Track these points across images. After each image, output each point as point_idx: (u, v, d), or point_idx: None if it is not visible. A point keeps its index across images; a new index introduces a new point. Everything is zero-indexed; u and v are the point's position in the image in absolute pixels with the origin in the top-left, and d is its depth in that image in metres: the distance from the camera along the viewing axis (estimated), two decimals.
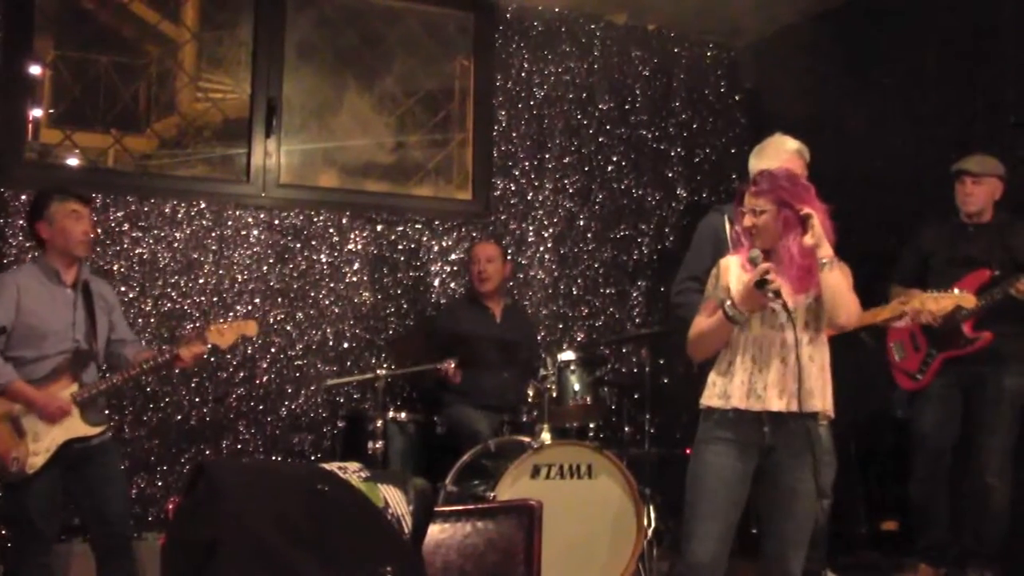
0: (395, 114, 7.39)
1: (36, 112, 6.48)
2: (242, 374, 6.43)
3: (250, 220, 6.55)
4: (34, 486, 4.62)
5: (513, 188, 7.34)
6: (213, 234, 6.45)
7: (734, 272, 3.89)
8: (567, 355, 5.81)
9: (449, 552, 3.11)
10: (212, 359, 6.31)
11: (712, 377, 3.93)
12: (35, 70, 6.36)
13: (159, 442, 6.20)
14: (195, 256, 6.40)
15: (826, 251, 3.74)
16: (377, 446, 5.54)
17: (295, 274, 6.64)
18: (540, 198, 7.40)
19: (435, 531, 3.06)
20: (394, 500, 2.74)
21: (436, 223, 7.06)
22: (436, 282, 7.02)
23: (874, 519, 6.44)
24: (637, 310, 7.62)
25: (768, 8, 7.34)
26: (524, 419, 5.78)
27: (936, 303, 4.93)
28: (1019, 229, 5.48)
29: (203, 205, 6.45)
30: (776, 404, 3.77)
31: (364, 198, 7.10)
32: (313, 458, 6.53)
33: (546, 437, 5.36)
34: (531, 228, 7.35)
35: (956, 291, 5.03)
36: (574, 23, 7.60)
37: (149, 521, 6.02)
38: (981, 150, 5.64)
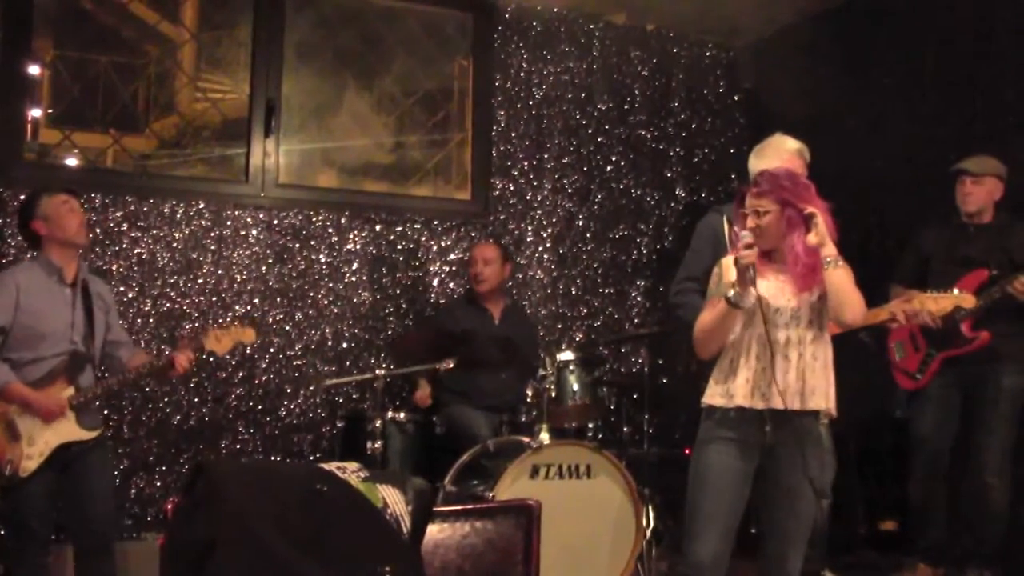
0: (394, 114, 7.39)
1: (35, 112, 6.47)
2: (241, 374, 6.43)
3: (249, 220, 6.55)
4: (29, 489, 4.59)
5: (512, 188, 7.34)
6: (212, 234, 6.45)
7: (733, 273, 3.89)
8: (566, 355, 5.81)
9: (448, 552, 3.11)
10: (211, 359, 6.31)
11: (714, 375, 3.93)
12: (34, 70, 6.36)
13: (158, 442, 6.20)
14: (194, 256, 6.40)
15: (830, 250, 3.75)
16: (376, 446, 5.53)
17: (294, 274, 6.64)
18: (539, 198, 7.40)
19: (434, 531, 3.06)
20: (393, 500, 2.74)
21: (435, 223, 7.06)
22: (435, 282, 7.02)
23: (873, 519, 6.44)
24: (636, 310, 7.62)
25: (767, 8, 7.34)
26: (523, 419, 5.78)
27: (936, 303, 4.93)
28: (1019, 229, 5.47)
29: (202, 205, 6.45)
30: (780, 402, 3.77)
31: (363, 198, 7.10)
32: (312, 458, 6.53)
33: (545, 437, 5.37)
34: (530, 228, 7.35)
35: (955, 291, 5.03)
36: (573, 23, 7.60)
37: (148, 521, 6.02)
38: (981, 150, 5.63)
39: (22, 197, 5.89)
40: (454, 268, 7.05)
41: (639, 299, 7.64)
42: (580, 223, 7.51)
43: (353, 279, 6.79)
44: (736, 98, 8.07)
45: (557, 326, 7.37)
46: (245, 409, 6.44)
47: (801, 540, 3.92)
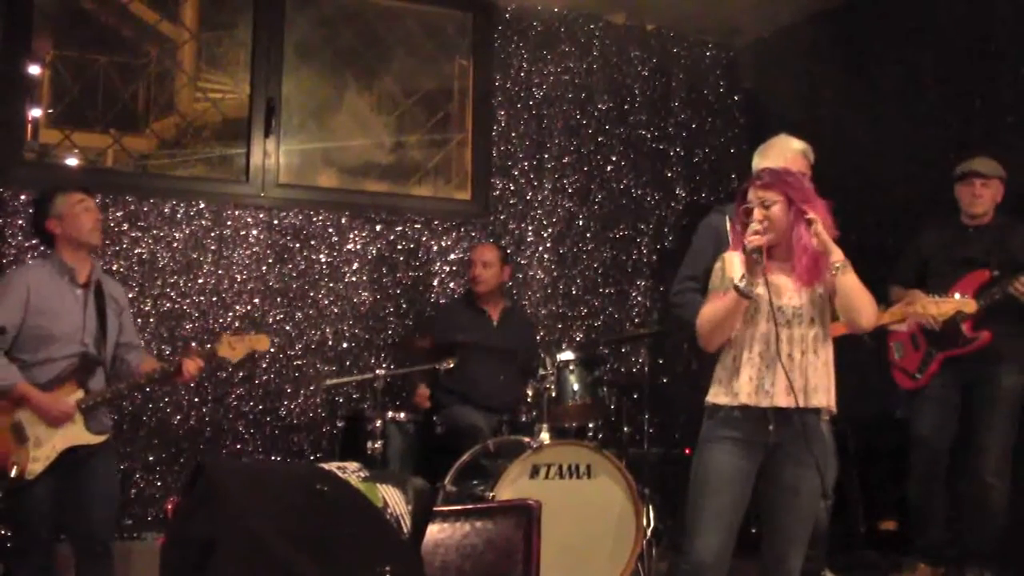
0: (394, 114, 7.39)
1: (35, 112, 6.48)
2: (241, 374, 6.43)
3: (249, 220, 6.55)
4: (34, 491, 4.56)
5: (512, 188, 7.34)
6: (212, 234, 6.45)
7: (737, 266, 3.89)
8: (566, 355, 5.81)
9: (448, 552, 3.11)
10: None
11: (718, 374, 3.93)
12: (34, 70, 6.36)
13: (158, 442, 6.20)
14: (194, 256, 6.40)
15: (838, 255, 3.76)
16: (376, 446, 5.53)
17: (294, 274, 6.64)
18: (539, 198, 7.41)
19: (434, 531, 3.06)
20: (393, 500, 2.74)
21: (435, 223, 7.06)
22: (435, 282, 7.02)
23: (873, 519, 6.44)
24: (636, 310, 7.62)
25: (767, 8, 7.34)
26: (523, 419, 5.78)
27: (937, 307, 4.93)
28: (1019, 230, 5.48)
29: (202, 205, 6.45)
30: (783, 400, 3.77)
31: (363, 198, 7.10)
32: (312, 458, 6.53)
33: (545, 437, 5.37)
34: (530, 228, 7.36)
35: (956, 296, 5.03)
36: (573, 23, 7.60)
37: (148, 521, 6.02)
38: (980, 150, 5.64)
39: (24, 195, 5.95)
40: (454, 268, 7.06)
41: (639, 299, 7.64)
42: (580, 223, 7.52)
43: (353, 279, 6.79)
44: (736, 98, 8.07)
45: (557, 326, 7.37)
46: (245, 409, 6.44)
47: (801, 539, 3.92)
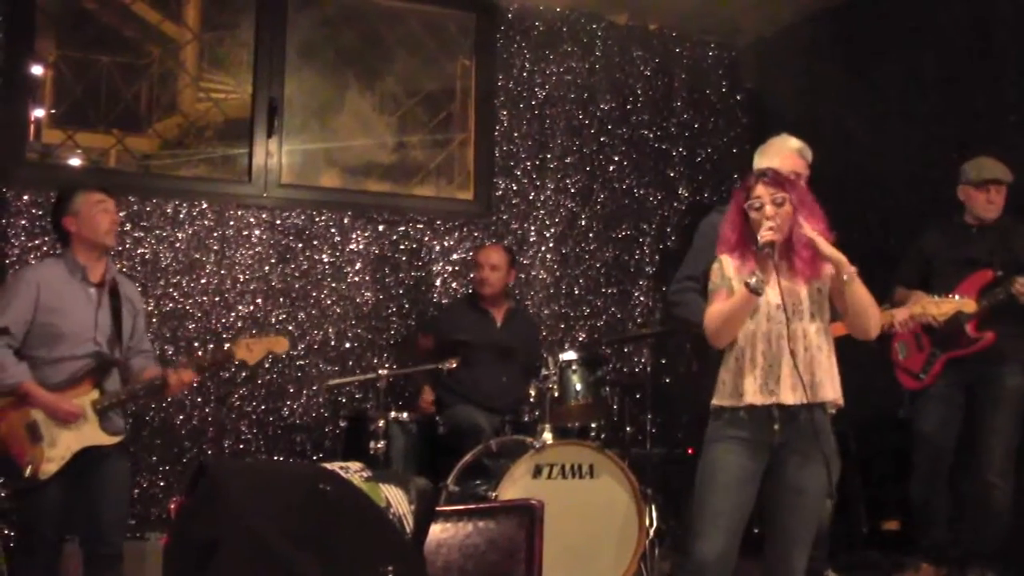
0: (396, 114, 7.39)
1: (38, 112, 6.48)
2: (244, 374, 6.43)
3: (252, 220, 6.56)
4: (46, 492, 4.54)
5: (515, 188, 7.34)
6: (215, 234, 6.45)
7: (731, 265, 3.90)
8: (569, 355, 5.80)
9: (451, 552, 3.11)
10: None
11: (722, 377, 3.93)
12: (37, 70, 6.37)
13: (161, 442, 6.21)
14: (197, 256, 6.40)
15: (848, 267, 3.77)
16: (379, 446, 5.53)
17: (297, 274, 6.64)
18: (542, 198, 7.41)
19: (437, 531, 3.06)
20: (396, 500, 2.74)
21: (438, 223, 7.06)
22: (438, 282, 7.02)
23: (876, 518, 6.44)
24: (639, 310, 7.62)
25: (768, 8, 7.35)
26: (526, 419, 5.78)
27: (937, 307, 4.92)
28: (1022, 231, 5.48)
29: (205, 205, 6.46)
30: (790, 397, 3.78)
31: (366, 198, 7.10)
32: (315, 458, 6.53)
33: (548, 437, 5.36)
34: (533, 228, 7.36)
35: (956, 297, 5.02)
36: (575, 23, 7.60)
37: (152, 521, 6.01)
38: (982, 150, 5.64)
39: (27, 195, 5.96)
40: (457, 268, 7.06)
41: (642, 299, 7.64)
42: (583, 223, 7.52)
43: (356, 279, 6.79)
44: (738, 98, 8.08)
45: (560, 326, 7.37)
46: (248, 409, 6.45)
47: (805, 539, 3.92)
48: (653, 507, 5.56)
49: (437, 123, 7.44)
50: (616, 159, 7.66)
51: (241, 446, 6.42)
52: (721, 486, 3.86)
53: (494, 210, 7.26)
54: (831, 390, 3.85)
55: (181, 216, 6.39)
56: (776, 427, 3.80)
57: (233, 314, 6.44)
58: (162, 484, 6.19)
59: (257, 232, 6.57)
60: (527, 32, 7.45)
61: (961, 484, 5.56)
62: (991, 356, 5.37)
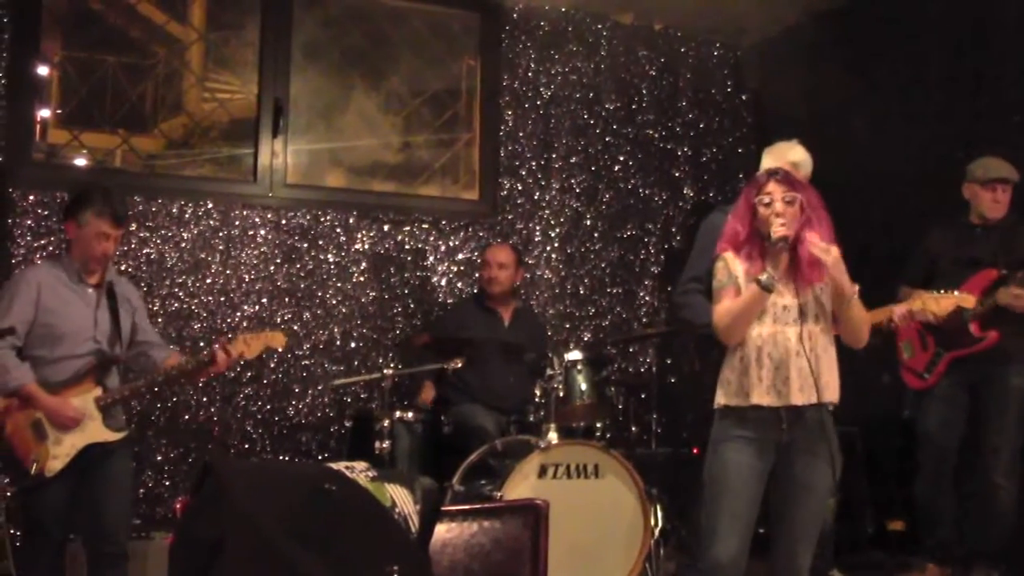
0: (401, 114, 7.39)
1: (44, 112, 6.49)
2: (249, 374, 6.44)
3: (257, 220, 6.56)
4: (51, 490, 4.58)
5: (520, 188, 7.34)
6: (220, 234, 6.46)
7: (740, 264, 3.91)
8: (574, 355, 5.80)
9: (456, 551, 3.12)
10: None
11: (726, 376, 3.94)
12: (43, 71, 6.37)
13: (167, 441, 6.21)
14: (202, 256, 6.41)
15: (851, 288, 3.82)
16: (384, 446, 5.53)
17: (302, 274, 6.65)
18: (547, 198, 7.41)
19: (442, 530, 3.06)
20: (401, 499, 2.75)
21: (443, 223, 7.06)
22: (443, 282, 7.03)
23: (881, 519, 6.43)
24: (644, 310, 7.62)
25: (773, 8, 7.34)
26: (531, 419, 5.78)
27: (937, 303, 4.92)
28: None
29: (210, 205, 6.46)
30: (798, 398, 3.79)
31: (371, 198, 7.10)
32: (320, 458, 6.54)
33: (553, 437, 5.36)
34: (538, 228, 7.36)
35: (956, 292, 5.02)
36: (580, 23, 7.60)
37: (157, 520, 6.02)
38: (986, 150, 5.63)
39: (32, 195, 5.97)
40: (462, 268, 7.06)
41: (647, 299, 7.64)
42: (588, 223, 7.52)
43: (361, 279, 6.79)
44: (744, 97, 8.07)
45: (565, 326, 7.37)
46: (254, 408, 6.45)
47: (811, 536, 3.94)
48: (658, 507, 5.56)
49: (442, 123, 7.44)
50: (621, 159, 7.66)
51: (247, 446, 6.43)
52: (733, 487, 3.88)
53: (499, 210, 7.26)
54: (835, 390, 3.88)
55: (186, 216, 6.40)
56: (784, 426, 3.82)
57: (238, 314, 6.45)
58: (167, 483, 6.19)
59: (262, 232, 6.57)
60: (532, 32, 7.45)
61: (966, 484, 5.55)
62: (995, 355, 5.37)
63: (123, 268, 6.17)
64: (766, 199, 3.84)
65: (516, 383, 6.08)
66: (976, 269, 5.42)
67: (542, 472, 5.27)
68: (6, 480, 4.63)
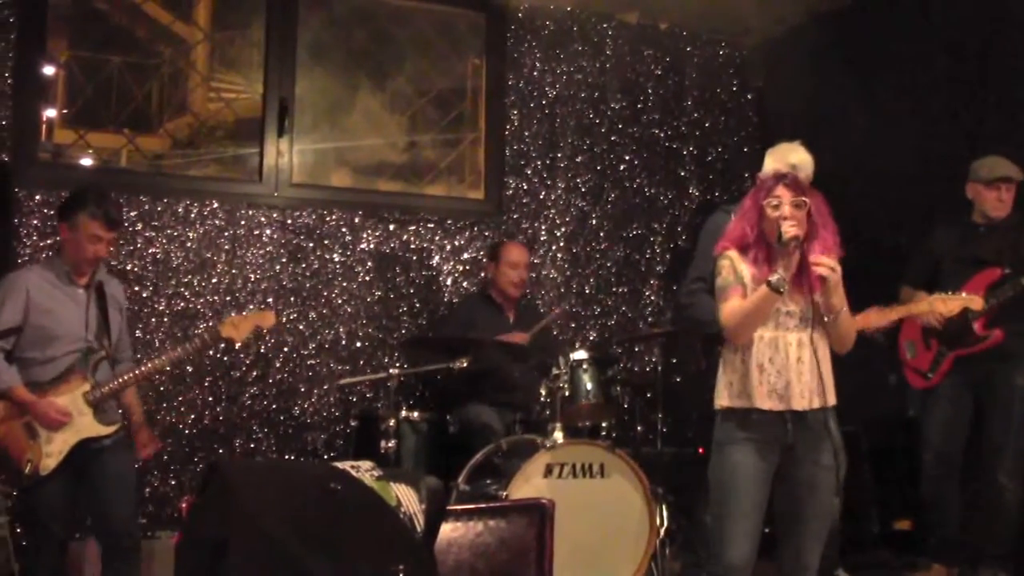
0: (407, 114, 7.40)
1: (50, 112, 6.50)
2: (255, 373, 6.45)
3: (263, 220, 6.57)
4: (47, 488, 4.61)
5: (525, 187, 7.34)
6: (226, 234, 6.46)
7: (746, 266, 3.91)
8: (579, 354, 5.79)
9: (461, 551, 3.12)
10: (225, 358, 6.33)
11: (727, 378, 3.94)
12: (49, 71, 6.38)
13: (172, 441, 6.21)
14: (208, 255, 6.41)
15: (840, 305, 3.86)
16: (390, 445, 5.53)
17: (307, 273, 6.65)
18: (552, 197, 7.41)
19: (447, 530, 3.06)
20: (407, 499, 2.75)
21: (448, 222, 7.07)
22: (448, 281, 7.03)
23: (887, 518, 6.43)
24: (650, 309, 7.62)
25: (778, 7, 7.33)
26: (536, 418, 5.78)
27: (944, 305, 4.92)
28: None
29: (216, 205, 6.47)
30: (800, 403, 3.81)
31: (376, 197, 7.11)
32: (326, 457, 6.54)
33: (558, 436, 5.36)
34: (543, 227, 7.36)
35: (964, 294, 5.01)
36: (586, 22, 7.60)
37: (163, 520, 6.03)
38: (992, 149, 5.62)
39: (38, 195, 5.97)
40: (467, 267, 7.06)
41: (652, 298, 7.63)
42: (593, 222, 7.51)
43: (367, 278, 6.80)
44: (749, 97, 8.07)
45: (571, 325, 7.36)
46: (259, 408, 6.46)
47: (819, 535, 3.97)
48: (664, 507, 5.56)
49: (448, 122, 7.45)
50: (627, 158, 7.65)
51: (252, 445, 6.44)
52: (741, 490, 3.89)
53: (505, 209, 7.26)
54: (833, 395, 3.90)
55: (192, 216, 6.40)
56: (788, 427, 3.83)
57: (244, 313, 6.44)
58: (173, 483, 6.20)
59: (268, 232, 6.58)
60: (537, 31, 7.45)
61: (971, 484, 5.54)
62: (999, 354, 5.37)
63: (129, 268, 6.19)
64: (774, 202, 3.84)
65: (522, 380, 6.08)
66: (979, 268, 5.41)
67: (548, 472, 5.27)
68: (2, 480, 4.65)
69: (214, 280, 6.42)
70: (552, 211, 7.39)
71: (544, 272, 7.30)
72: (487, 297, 6.50)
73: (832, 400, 3.88)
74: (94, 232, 4.77)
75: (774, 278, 3.75)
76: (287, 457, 6.47)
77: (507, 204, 7.27)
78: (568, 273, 7.40)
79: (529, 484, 5.18)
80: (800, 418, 3.84)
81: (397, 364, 6.60)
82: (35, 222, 6.00)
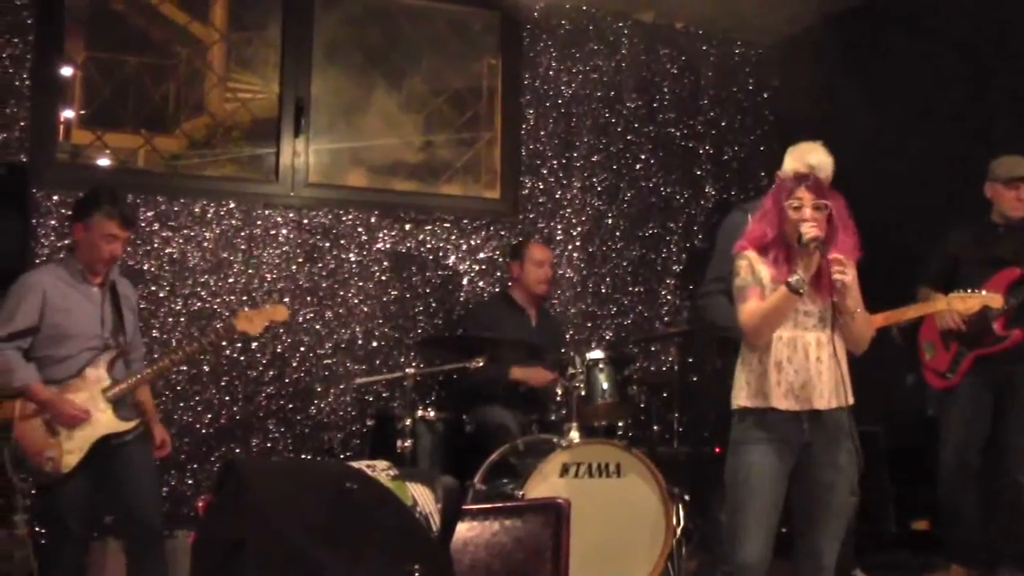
0: (423, 113, 7.40)
1: (67, 113, 6.53)
2: (272, 373, 6.46)
3: (279, 219, 6.58)
4: (68, 486, 4.64)
5: (541, 187, 7.33)
6: (242, 234, 6.48)
7: (765, 267, 3.90)
8: (596, 354, 5.80)
9: (477, 550, 3.11)
10: (241, 357, 6.35)
11: (744, 378, 3.94)
12: (66, 71, 6.41)
13: (189, 440, 6.24)
14: (224, 255, 6.43)
15: (855, 306, 3.86)
16: (406, 444, 5.54)
17: (324, 273, 6.66)
18: (568, 197, 7.40)
19: (463, 529, 3.06)
20: (423, 498, 2.74)
21: (464, 222, 7.07)
22: (464, 281, 7.03)
23: (905, 519, 6.41)
24: (666, 308, 7.61)
25: (793, 6, 7.32)
26: (553, 418, 5.78)
27: (963, 303, 4.90)
28: None
29: (232, 205, 6.48)
30: (819, 403, 3.82)
31: (392, 197, 7.12)
32: (342, 456, 6.55)
33: (575, 436, 5.36)
34: (559, 227, 7.35)
35: (983, 292, 4.99)
36: (601, 21, 7.59)
37: (180, 519, 6.04)
38: (1005, 148, 5.60)
39: (56, 196, 6.00)
40: (483, 267, 7.06)
41: (669, 297, 7.62)
42: (609, 221, 7.51)
43: (383, 278, 6.80)
44: (765, 96, 8.05)
45: (587, 325, 7.36)
46: (275, 408, 6.47)
47: (835, 534, 3.98)
48: (680, 506, 5.54)
49: (463, 122, 7.44)
50: (643, 157, 7.65)
51: (269, 445, 6.45)
52: (757, 489, 3.89)
53: (521, 209, 7.25)
54: (850, 395, 3.90)
55: (209, 216, 6.42)
56: (804, 427, 3.83)
57: (248, 310, 6.45)
58: (190, 482, 6.22)
59: (284, 231, 6.59)
60: (553, 31, 7.44)
61: (991, 484, 5.52)
62: (1019, 354, 5.34)
63: (145, 267, 6.21)
64: (795, 203, 3.83)
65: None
66: (998, 268, 5.38)
67: (564, 471, 5.26)
68: (23, 478, 4.67)
69: (230, 280, 6.43)
70: (568, 210, 7.39)
71: (560, 272, 7.29)
72: (508, 298, 6.49)
73: (850, 400, 3.87)
74: (110, 232, 4.80)
75: (793, 279, 3.74)
76: (303, 456, 6.48)
77: (523, 203, 7.27)
78: (584, 272, 7.40)
79: (545, 484, 5.18)
80: (817, 417, 3.84)
81: (413, 364, 6.61)
82: (53, 222, 6.02)
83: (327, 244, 6.68)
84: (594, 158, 7.50)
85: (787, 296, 3.77)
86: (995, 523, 5.52)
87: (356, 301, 6.72)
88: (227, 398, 6.36)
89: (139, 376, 4.86)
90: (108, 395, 4.74)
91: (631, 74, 7.65)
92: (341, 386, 6.61)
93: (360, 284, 6.74)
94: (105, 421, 4.72)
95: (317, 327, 6.60)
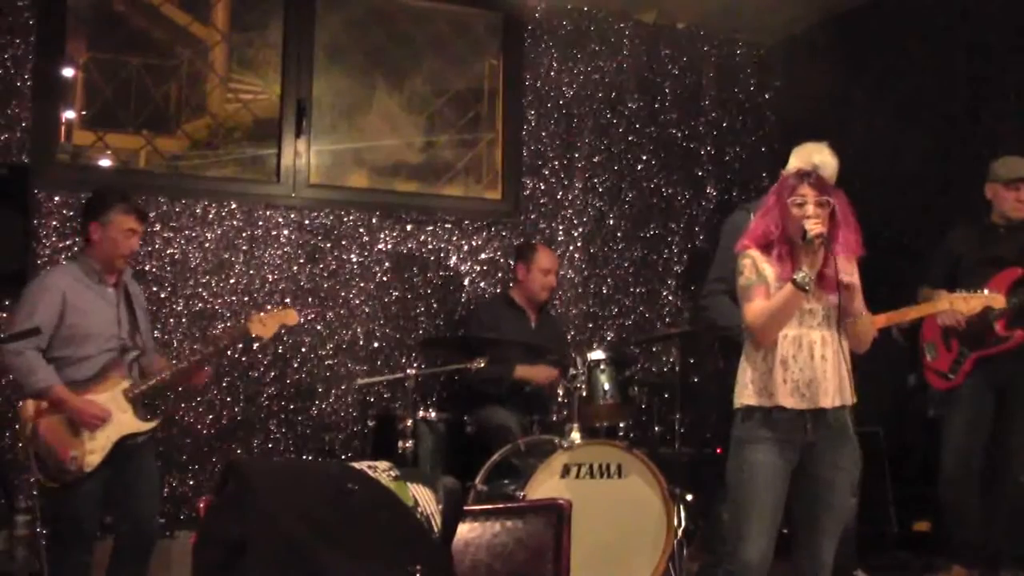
0: (424, 114, 7.40)
1: (69, 114, 6.52)
2: (273, 373, 6.46)
3: (280, 220, 6.58)
4: (87, 485, 4.66)
5: (543, 187, 7.33)
6: (244, 234, 6.48)
7: (769, 265, 3.90)
8: (597, 354, 5.80)
9: (478, 551, 3.12)
10: (243, 358, 6.35)
11: (748, 376, 3.94)
12: (68, 72, 6.40)
13: (190, 441, 6.24)
14: (226, 256, 6.43)
15: (858, 311, 3.88)
16: (407, 445, 5.53)
17: (325, 274, 6.66)
18: (570, 197, 7.40)
19: (464, 530, 3.06)
20: (424, 499, 2.75)
21: (465, 223, 7.07)
22: (466, 281, 7.03)
23: (906, 519, 6.41)
24: (667, 309, 7.61)
25: (795, 7, 7.31)
26: (554, 418, 5.78)
27: (965, 303, 4.89)
28: None
29: (234, 205, 6.48)
30: (824, 401, 3.82)
31: (394, 198, 7.11)
32: (343, 457, 6.55)
33: (576, 436, 5.35)
34: (561, 227, 7.35)
35: (985, 292, 4.98)
36: (603, 22, 7.59)
37: (181, 519, 6.05)
38: (1010, 149, 5.59)
39: (57, 196, 6.00)
40: (485, 268, 7.06)
41: (670, 298, 7.62)
42: (611, 222, 7.50)
43: (384, 279, 6.80)
44: (767, 96, 8.04)
45: (588, 325, 7.36)
46: (277, 408, 6.47)
47: (834, 531, 3.98)
48: (682, 507, 5.54)
49: (465, 123, 7.44)
50: (644, 158, 7.64)
51: (270, 445, 6.45)
52: (761, 488, 3.89)
53: (522, 210, 7.25)
54: (852, 394, 3.90)
55: (210, 216, 6.42)
56: (808, 426, 3.83)
57: (262, 314, 6.45)
58: (191, 483, 6.22)
59: (286, 232, 6.59)
60: (554, 31, 7.44)
61: (992, 485, 5.52)
62: (1021, 355, 5.33)
63: (147, 268, 6.21)
64: (799, 200, 3.83)
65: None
66: (999, 269, 5.38)
67: (565, 472, 5.26)
68: (32, 479, 4.67)
69: (232, 281, 6.43)
70: (569, 211, 7.39)
71: (562, 272, 7.28)
72: (509, 299, 6.49)
73: (853, 399, 3.88)
74: (129, 226, 4.86)
75: (799, 276, 3.74)
76: (305, 457, 6.48)
77: (524, 204, 7.27)
78: (586, 273, 7.40)
79: (546, 484, 5.18)
80: (820, 416, 3.84)
81: (414, 364, 6.61)
82: (54, 223, 6.03)
83: (328, 245, 6.68)
84: (595, 159, 7.50)
85: (793, 293, 3.77)
86: (996, 524, 5.52)
87: (357, 302, 6.72)
88: (228, 399, 6.36)
89: (159, 377, 4.89)
90: (130, 395, 4.78)
91: (633, 75, 7.65)
92: (342, 387, 6.62)
93: (361, 285, 6.74)
94: (126, 421, 4.76)
95: (318, 328, 6.60)
